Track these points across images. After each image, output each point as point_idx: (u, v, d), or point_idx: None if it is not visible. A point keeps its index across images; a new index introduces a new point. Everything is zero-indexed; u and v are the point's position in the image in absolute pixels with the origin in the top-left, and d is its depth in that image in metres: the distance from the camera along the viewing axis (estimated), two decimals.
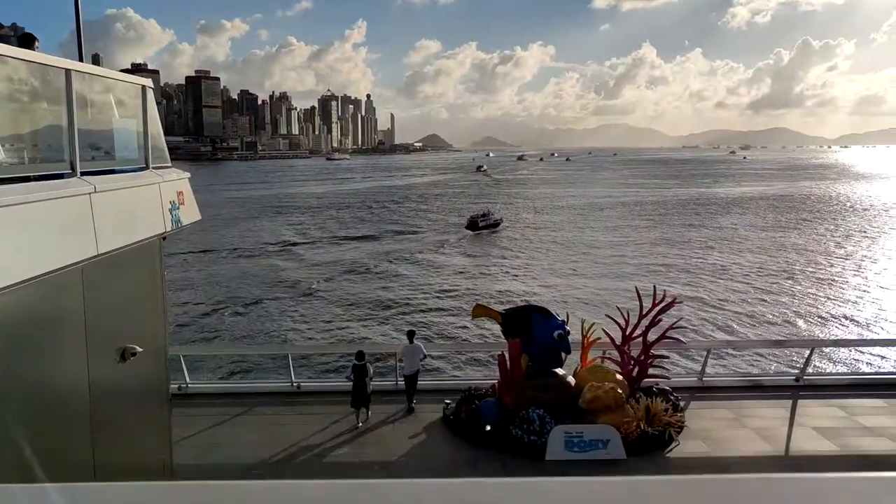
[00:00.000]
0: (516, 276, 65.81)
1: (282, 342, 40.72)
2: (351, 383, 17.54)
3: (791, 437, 16.55)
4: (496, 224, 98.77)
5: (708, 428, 16.97)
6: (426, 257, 77.77)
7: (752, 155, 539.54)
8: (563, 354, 16.85)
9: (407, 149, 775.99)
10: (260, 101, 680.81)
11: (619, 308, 18.10)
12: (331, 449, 16.04)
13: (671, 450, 15.89)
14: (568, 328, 16.82)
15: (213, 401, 18.64)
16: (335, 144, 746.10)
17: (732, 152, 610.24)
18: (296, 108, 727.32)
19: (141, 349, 8.90)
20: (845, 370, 29.29)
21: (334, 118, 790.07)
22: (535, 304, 17.91)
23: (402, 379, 18.65)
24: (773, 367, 32.29)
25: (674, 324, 17.55)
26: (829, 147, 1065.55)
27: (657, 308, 17.30)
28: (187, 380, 19.41)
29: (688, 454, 15.67)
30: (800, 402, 18.83)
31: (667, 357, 18.05)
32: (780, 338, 36.37)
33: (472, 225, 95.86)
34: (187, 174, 10.62)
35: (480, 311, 17.86)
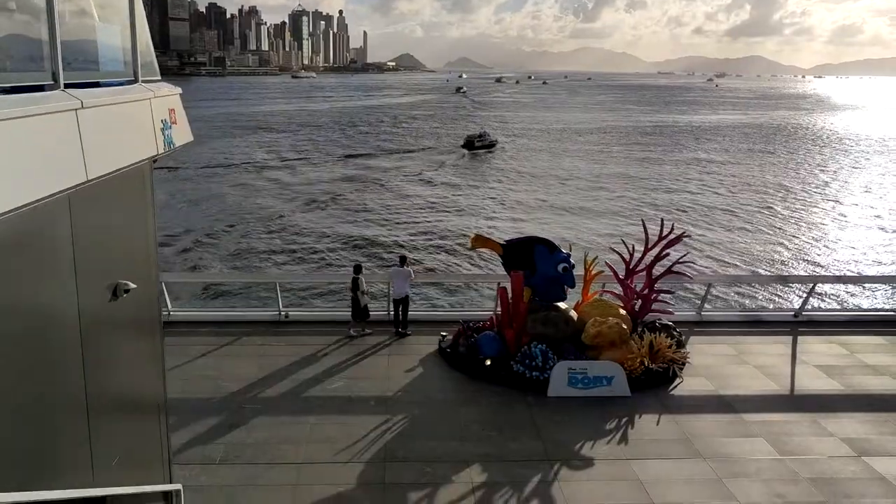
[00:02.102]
0: (500, 200, 65.22)
1: (268, 269, 39.67)
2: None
3: (795, 375, 16.25)
4: (492, 145, 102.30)
5: (710, 364, 16.60)
6: (422, 178, 77.79)
7: (727, 83, 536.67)
8: (565, 288, 16.24)
9: (380, 68, 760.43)
10: (229, 15, 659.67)
11: (623, 240, 17.46)
12: (324, 382, 15.39)
13: (675, 387, 15.51)
14: (572, 261, 16.15)
15: (196, 329, 17.84)
16: (306, 62, 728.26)
17: (710, 80, 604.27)
18: (266, 24, 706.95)
19: (135, 285, 8.01)
20: (842, 307, 29.16)
21: (305, 35, 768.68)
22: (538, 236, 17.14)
23: (392, 304, 18.28)
24: (770, 303, 32.27)
25: (681, 258, 16.94)
26: (804, 77, 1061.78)
27: (664, 241, 16.64)
28: (169, 307, 18.56)
29: (693, 392, 15.29)
30: (799, 338, 18.53)
31: (672, 292, 17.54)
32: (777, 273, 36.36)
33: (469, 144, 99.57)
34: (178, 89, 9.52)
35: (479, 241, 17.08)
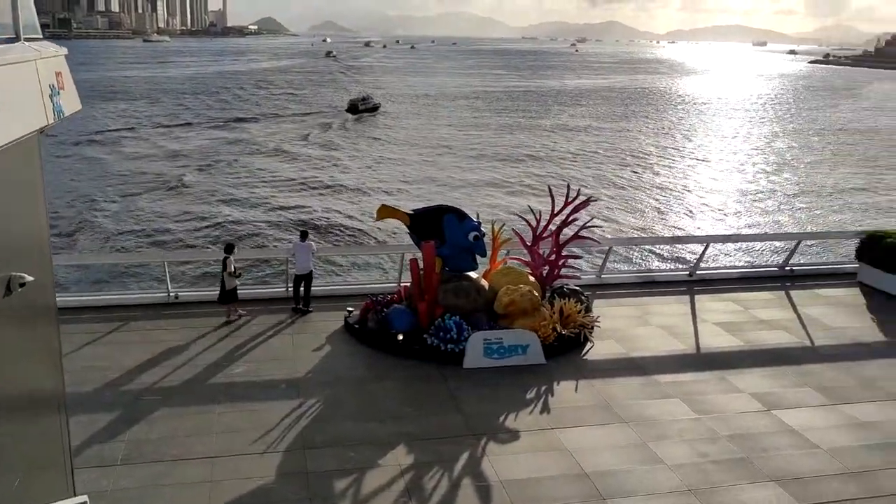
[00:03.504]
0: (391, 167, 64.22)
1: (152, 248, 37.13)
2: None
3: (698, 334, 16.69)
4: (375, 108, 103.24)
5: (616, 327, 16.78)
6: (310, 143, 76.18)
7: (588, 48, 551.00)
8: (476, 257, 15.92)
9: (241, 32, 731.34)
10: None
11: (529, 207, 17.29)
12: (226, 367, 14.41)
13: (587, 352, 15.58)
14: (483, 230, 15.83)
15: (78, 316, 16.29)
16: (161, 25, 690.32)
17: (573, 45, 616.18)
18: None
19: (31, 278, 6.95)
20: (731, 265, 30.44)
21: None
22: (446, 205, 16.69)
23: (293, 280, 17.37)
24: (664, 263, 33.34)
25: (587, 222, 16.94)
26: (659, 42, 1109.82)
27: (570, 206, 16.56)
28: None
29: (605, 355, 15.41)
30: (696, 297, 19.12)
31: (580, 257, 17.58)
32: (671, 234, 37.71)
33: (353, 108, 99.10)
34: (64, 50, 8.33)
35: (386, 212, 16.42)
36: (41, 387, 8.16)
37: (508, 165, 65.44)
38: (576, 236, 16.78)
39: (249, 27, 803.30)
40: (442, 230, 15.62)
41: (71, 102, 8.44)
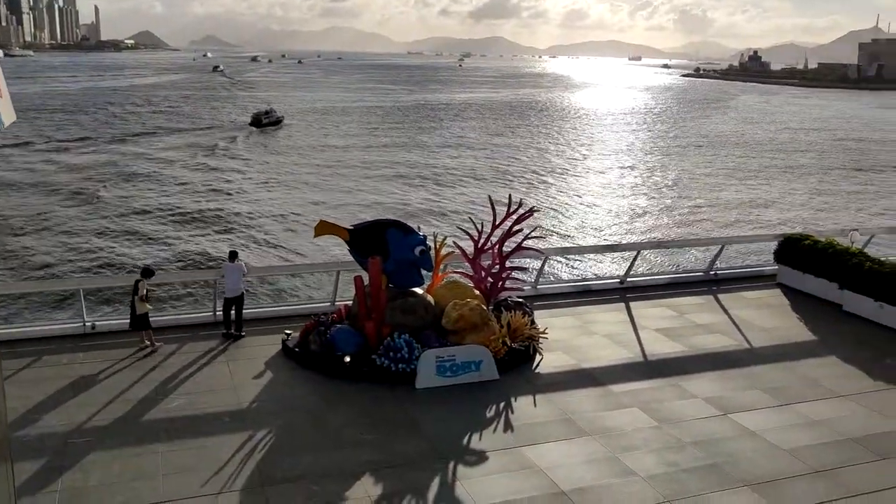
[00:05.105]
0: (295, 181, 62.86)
1: (66, 274, 34.51)
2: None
3: (641, 341, 16.72)
4: (279, 121, 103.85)
5: (561, 338, 16.60)
6: (218, 158, 74.93)
7: (473, 63, 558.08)
8: (422, 272, 15.39)
9: (116, 46, 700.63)
10: None
11: (471, 219, 16.92)
12: (161, 401, 13.26)
13: (538, 364, 15.31)
14: (430, 243, 15.31)
15: None
16: (28, 39, 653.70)
17: (460, 60, 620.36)
18: None
19: None
20: (658, 271, 30.94)
21: (25, 8, 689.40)
22: (389, 219, 16.10)
23: (223, 304, 16.29)
24: (595, 272, 33.63)
25: (529, 233, 16.69)
26: (541, 57, 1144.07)
27: (512, 218, 16.28)
28: None
29: (556, 368, 15.18)
30: (631, 304, 19.24)
31: (525, 269, 17.31)
32: (607, 242, 38.23)
33: (256, 122, 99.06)
34: (0, 53, 7.29)
35: (324, 228, 15.68)
36: None
37: (421, 182, 65.50)
38: (519, 247, 16.51)
39: (126, 41, 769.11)
40: (385, 245, 15.03)
41: (8, 112, 7.48)
